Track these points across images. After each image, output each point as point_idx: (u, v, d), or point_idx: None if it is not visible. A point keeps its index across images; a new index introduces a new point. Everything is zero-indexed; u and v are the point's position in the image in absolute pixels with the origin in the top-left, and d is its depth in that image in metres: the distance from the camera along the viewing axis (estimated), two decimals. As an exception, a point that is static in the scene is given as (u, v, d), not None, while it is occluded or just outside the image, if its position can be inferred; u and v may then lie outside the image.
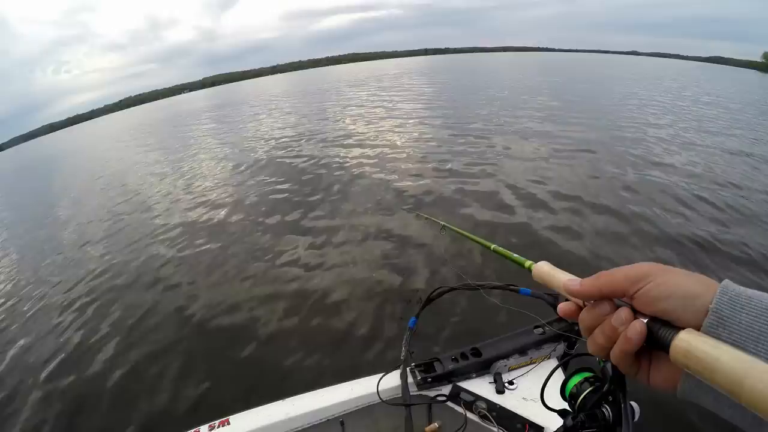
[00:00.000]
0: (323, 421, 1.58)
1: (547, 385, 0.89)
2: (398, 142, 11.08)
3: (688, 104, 16.98)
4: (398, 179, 7.89)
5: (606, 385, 0.71)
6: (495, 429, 1.49)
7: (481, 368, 1.68)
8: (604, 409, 0.76)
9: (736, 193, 6.56)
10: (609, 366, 0.67)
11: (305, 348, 3.61)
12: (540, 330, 1.75)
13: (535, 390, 1.50)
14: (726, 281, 0.44)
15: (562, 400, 0.86)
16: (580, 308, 0.55)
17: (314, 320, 3.99)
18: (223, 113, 29.25)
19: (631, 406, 0.67)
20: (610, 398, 0.74)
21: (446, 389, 1.62)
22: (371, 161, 9.43)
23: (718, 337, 0.40)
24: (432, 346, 3.31)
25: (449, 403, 1.59)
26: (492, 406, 1.53)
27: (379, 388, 1.57)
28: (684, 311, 0.43)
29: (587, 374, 0.83)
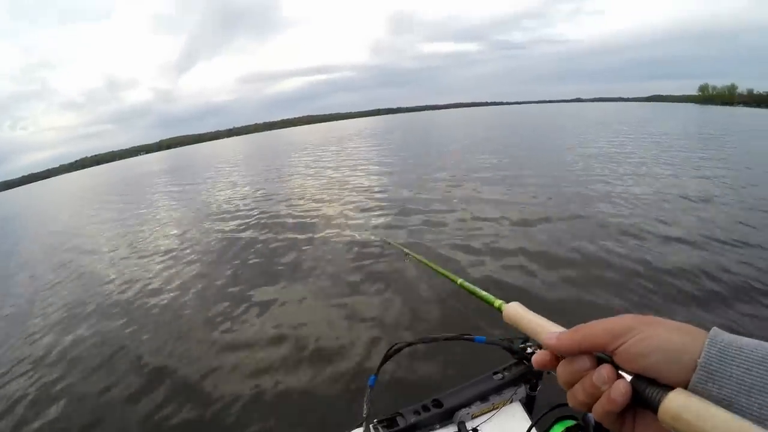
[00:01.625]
0: None
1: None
2: (350, 202, 11.18)
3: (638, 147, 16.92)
4: (355, 235, 8.02)
5: None
6: None
7: (444, 418, 1.68)
8: None
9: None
10: (591, 415, 0.65)
11: (264, 411, 3.58)
12: (499, 375, 1.77)
13: None
14: (714, 330, 0.42)
15: None
16: (557, 358, 0.52)
17: (270, 381, 3.94)
18: (179, 178, 28.51)
19: None
20: None
21: None
22: (326, 223, 9.39)
23: (708, 393, 0.39)
24: (393, 401, 3.14)
25: None
26: None
27: None
28: (670, 368, 0.41)
29: (569, 423, 0.86)
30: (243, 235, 9.43)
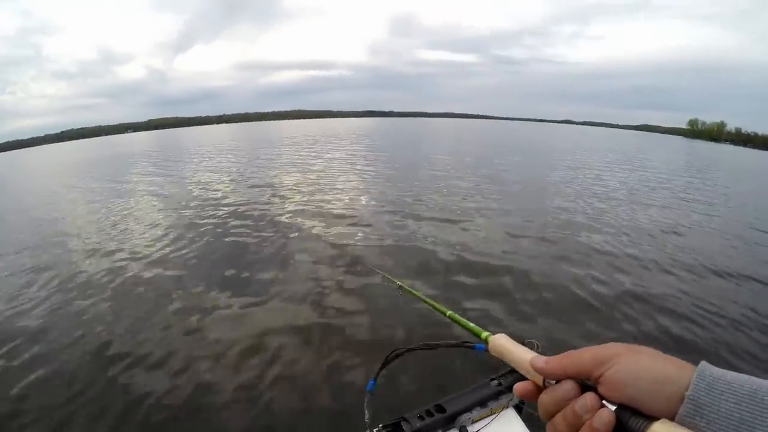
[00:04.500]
0: None
1: None
2: (341, 205, 10.88)
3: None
4: (346, 240, 7.76)
5: None
6: None
7: (447, 423, 1.71)
8: None
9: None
10: None
11: (263, 425, 3.37)
12: (496, 382, 1.83)
13: None
14: (703, 363, 0.41)
15: None
16: (539, 388, 0.51)
17: (267, 393, 3.70)
18: (167, 160, 27.83)
19: None
20: None
21: None
22: (315, 222, 9.15)
23: (695, 427, 0.37)
24: (395, 407, 2.80)
25: None
26: None
27: None
28: (655, 398, 0.40)
29: None
30: (223, 228, 8.97)
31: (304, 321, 4.85)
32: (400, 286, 1.85)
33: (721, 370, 0.40)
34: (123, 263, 7.09)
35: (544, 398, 0.49)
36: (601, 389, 0.44)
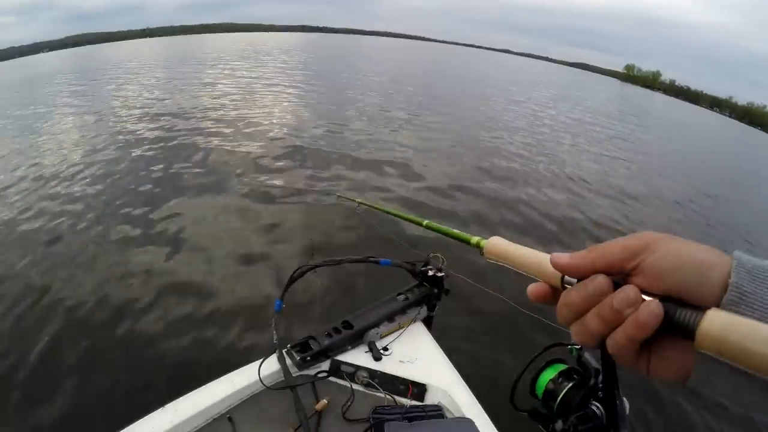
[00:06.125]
0: (210, 421, 1.50)
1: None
2: (270, 126, 10.22)
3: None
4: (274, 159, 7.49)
5: (592, 379, 0.65)
6: (381, 394, 1.58)
7: (355, 339, 1.73)
8: (594, 407, 0.69)
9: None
10: (589, 356, 0.63)
11: (170, 344, 3.15)
12: (403, 296, 1.88)
13: (408, 352, 1.71)
14: (737, 252, 0.38)
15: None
16: (553, 290, 0.47)
17: (176, 310, 3.53)
18: (82, 81, 23.75)
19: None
20: (599, 394, 0.66)
21: (326, 365, 1.65)
22: (246, 142, 8.58)
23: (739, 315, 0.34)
24: (303, 325, 3.00)
25: (332, 378, 1.62)
26: (373, 374, 1.61)
27: (261, 375, 1.53)
28: (699, 286, 0.37)
29: (561, 367, 0.76)
30: (145, 150, 8.04)
31: (219, 241, 4.63)
32: (360, 203, 1.82)
33: (755, 258, 0.37)
34: (30, 194, 6.12)
35: (572, 296, 0.43)
36: (637, 281, 0.40)
